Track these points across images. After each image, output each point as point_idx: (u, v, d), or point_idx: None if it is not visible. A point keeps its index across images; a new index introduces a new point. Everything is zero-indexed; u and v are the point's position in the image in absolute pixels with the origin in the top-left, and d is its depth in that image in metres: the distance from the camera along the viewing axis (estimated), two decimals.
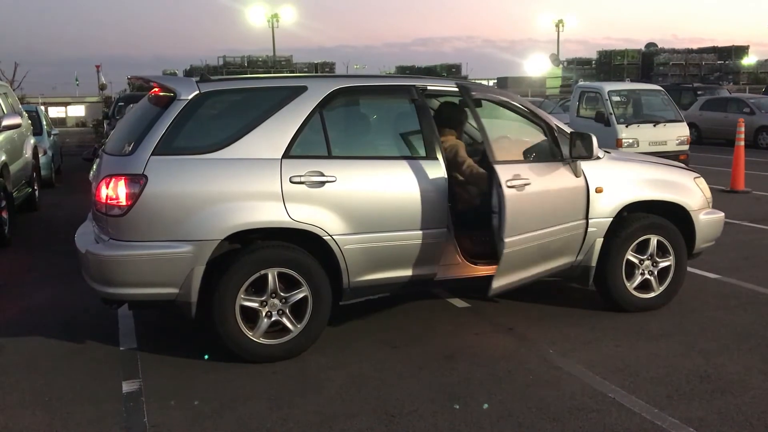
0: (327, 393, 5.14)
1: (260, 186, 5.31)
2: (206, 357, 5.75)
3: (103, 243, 5.35)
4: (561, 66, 47.49)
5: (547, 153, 6.07)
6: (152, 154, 5.14)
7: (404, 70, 59.69)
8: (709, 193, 6.82)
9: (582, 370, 5.50)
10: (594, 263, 6.28)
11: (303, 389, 5.15)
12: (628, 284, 6.44)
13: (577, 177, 6.01)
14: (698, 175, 6.89)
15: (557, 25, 50.42)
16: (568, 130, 6.19)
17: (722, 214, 6.88)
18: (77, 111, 68.08)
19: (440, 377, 5.42)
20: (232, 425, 4.59)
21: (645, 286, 6.54)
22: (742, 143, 15.05)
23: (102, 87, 65.81)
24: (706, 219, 6.61)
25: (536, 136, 6.30)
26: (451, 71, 58.30)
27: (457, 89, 6.14)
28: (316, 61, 69.31)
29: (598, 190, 6.10)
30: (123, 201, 5.13)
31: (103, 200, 5.18)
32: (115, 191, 5.14)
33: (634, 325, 6.42)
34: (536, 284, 7.02)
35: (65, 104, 69.53)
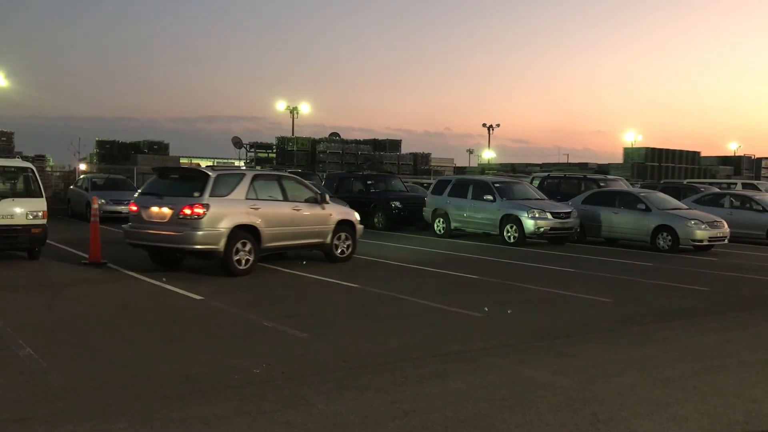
0: None
1: None
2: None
3: None
4: (244, 148, 47.95)
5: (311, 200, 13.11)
6: None
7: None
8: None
9: None
10: (330, 241, 13.28)
11: None
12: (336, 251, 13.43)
13: (323, 210, 13.13)
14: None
15: (291, 112, 51.55)
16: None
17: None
18: None
19: None
20: None
21: (342, 251, 13.54)
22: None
23: None
24: (360, 228, 13.99)
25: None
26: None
27: None
28: None
29: (330, 214, 13.24)
30: None
31: None
32: None
33: None
34: None
35: None
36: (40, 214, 12.43)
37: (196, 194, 11.05)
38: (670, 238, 16.99)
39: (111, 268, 11.88)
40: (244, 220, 11.41)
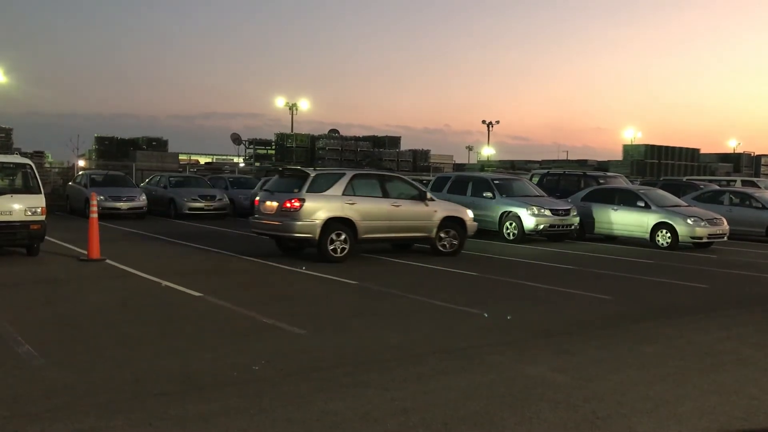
0: None
1: None
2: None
3: None
4: (243, 145, 47.86)
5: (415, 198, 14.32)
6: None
7: None
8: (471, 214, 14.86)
9: None
10: (434, 235, 14.28)
11: None
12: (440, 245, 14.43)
13: (426, 206, 14.20)
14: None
15: (291, 108, 51.72)
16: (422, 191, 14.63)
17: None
18: None
19: None
20: None
21: (447, 246, 14.41)
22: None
23: None
24: (472, 225, 14.78)
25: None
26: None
27: None
28: None
29: (435, 210, 14.24)
30: None
31: None
32: None
33: None
34: None
35: None
36: (38, 210, 12.42)
37: (296, 190, 12.97)
38: (669, 235, 17.00)
39: (110, 265, 11.88)
40: (339, 213, 13.00)
